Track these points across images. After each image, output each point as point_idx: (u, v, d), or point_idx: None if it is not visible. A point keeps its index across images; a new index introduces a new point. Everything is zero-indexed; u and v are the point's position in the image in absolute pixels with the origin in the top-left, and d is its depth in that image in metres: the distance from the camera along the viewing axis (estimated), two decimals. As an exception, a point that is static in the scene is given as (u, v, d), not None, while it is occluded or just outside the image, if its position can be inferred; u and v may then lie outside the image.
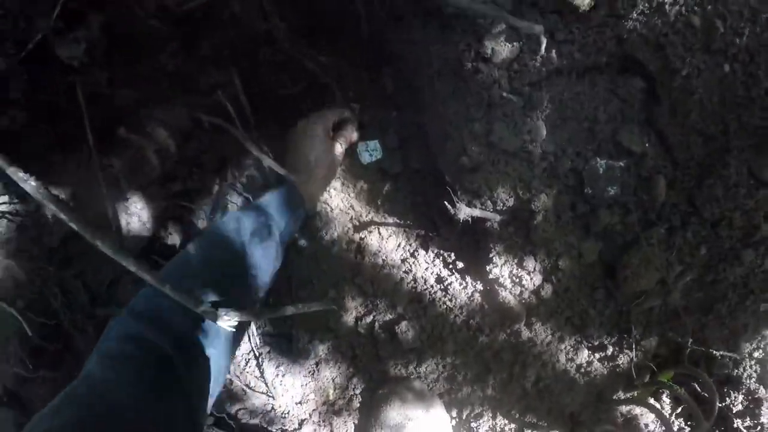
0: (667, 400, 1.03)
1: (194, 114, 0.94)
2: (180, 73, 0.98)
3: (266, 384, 0.99)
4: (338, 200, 1.01)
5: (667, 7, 0.84)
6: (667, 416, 0.98)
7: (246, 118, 0.96)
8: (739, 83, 0.82)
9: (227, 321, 0.65)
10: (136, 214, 0.92)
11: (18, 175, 0.56)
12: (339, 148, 0.93)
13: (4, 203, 0.83)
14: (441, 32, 0.95)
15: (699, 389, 0.99)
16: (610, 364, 0.96)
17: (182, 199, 0.96)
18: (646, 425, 1.01)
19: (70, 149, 0.88)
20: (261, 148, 0.90)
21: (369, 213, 1.03)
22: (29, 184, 0.56)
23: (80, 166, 0.87)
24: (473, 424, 0.98)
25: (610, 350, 0.95)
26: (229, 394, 1.02)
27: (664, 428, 0.97)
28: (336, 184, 1.02)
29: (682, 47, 0.84)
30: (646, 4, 0.85)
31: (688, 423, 1.03)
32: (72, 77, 0.86)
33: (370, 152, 1.02)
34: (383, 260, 1.00)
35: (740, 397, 0.96)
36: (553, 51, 0.88)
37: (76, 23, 0.84)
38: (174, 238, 0.98)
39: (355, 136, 0.97)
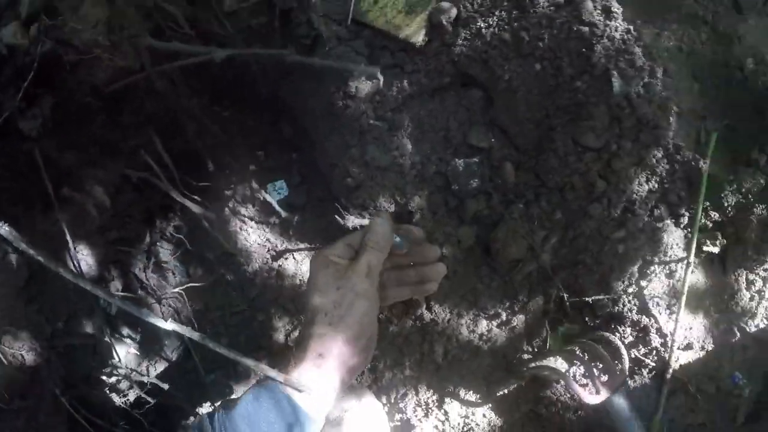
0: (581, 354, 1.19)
1: (123, 172, 1.14)
2: (109, 139, 1.19)
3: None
4: (255, 236, 1.19)
5: (483, 30, 1.04)
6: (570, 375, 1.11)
7: (170, 172, 1.15)
8: (549, 76, 1.01)
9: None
10: (83, 259, 1.11)
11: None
12: (364, 283, 0.73)
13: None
14: (317, 82, 1.14)
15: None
16: (507, 328, 1.12)
17: (119, 245, 1.15)
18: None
19: (28, 204, 1.08)
20: (186, 195, 1.09)
21: (283, 243, 1.21)
22: (3, 229, 0.73)
23: (36, 217, 1.07)
24: (401, 404, 1.13)
25: (504, 316, 1.11)
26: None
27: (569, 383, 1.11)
28: (252, 223, 1.20)
29: (500, 58, 1.04)
30: (467, 32, 1.05)
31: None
32: (30, 144, 1.08)
33: (278, 191, 1.21)
34: (300, 281, 1.17)
35: (628, 330, 1.12)
36: (405, 81, 1.08)
37: (33, 104, 1.07)
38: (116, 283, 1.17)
39: (376, 259, 0.76)
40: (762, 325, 1.24)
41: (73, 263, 1.13)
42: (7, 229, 0.70)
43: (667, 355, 1.13)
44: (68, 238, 1.09)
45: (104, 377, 1.17)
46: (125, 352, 1.21)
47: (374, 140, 1.07)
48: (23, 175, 1.10)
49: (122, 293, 1.13)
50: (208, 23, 1.20)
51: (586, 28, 0.99)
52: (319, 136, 1.15)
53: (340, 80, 1.09)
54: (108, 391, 1.18)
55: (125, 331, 1.23)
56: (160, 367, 1.23)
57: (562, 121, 1.01)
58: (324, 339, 0.70)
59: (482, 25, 1.04)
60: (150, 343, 1.23)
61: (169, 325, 0.73)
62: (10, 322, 1.06)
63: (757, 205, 1.14)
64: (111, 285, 1.19)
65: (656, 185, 1.08)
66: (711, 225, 1.16)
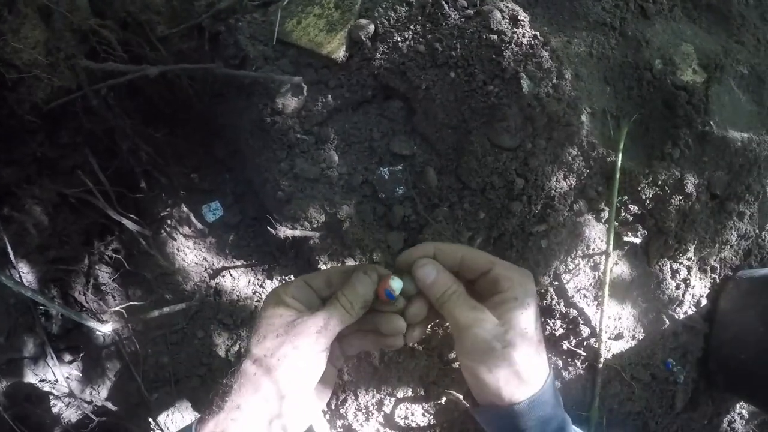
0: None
1: (61, 191, 1.15)
2: (47, 157, 1.21)
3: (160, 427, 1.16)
4: (192, 256, 1.20)
5: (400, 44, 1.10)
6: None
7: (106, 192, 1.17)
8: (463, 82, 1.07)
9: None
10: (23, 277, 1.12)
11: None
12: (310, 342, 0.66)
13: None
14: (246, 99, 1.18)
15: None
16: (440, 329, 1.15)
17: (58, 265, 1.16)
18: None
19: None
20: (123, 214, 1.11)
21: (220, 261, 1.23)
22: None
23: None
24: (342, 410, 1.15)
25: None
26: None
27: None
28: (189, 243, 1.22)
29: (417, 69, 1.09)
30: (385, 46, 1.11)
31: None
32: None
33: (213, 212, 1.23)
34: (238, 296, 1.19)
35: (558, 323, 1.16)
36: (329, 96, 1.13)
37: None
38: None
39: (339, 322, 0.69)
40: (690, 312, 1.29)
41: (16, 277, 1.14)
42: None
43: (597, 345, 1.17)
44: (10, 253, 1.10)
45: (47, 396, 1.17)
46: (67, 373, 1.21)
47: (302, 153, 1.11)
48: None
49: (62, 310, 1.13)
50: (141, 47, 1.23)
51: (495, 36, 1.05)
52: (251, 153, 1.18)
53: (267, 97, 1.13)
54: (51, 411, 1.18)
55: (67, 352, 1.23)
56: (103, 387, 1.22)
57: (477, 124, 1.07)
58: (245, 388, 0.62)
59: (399, 39, 1.10)
60: (92, 364, 1.22)
61: (107, 327, 0.77)
62: None
63: (674, 196, 1.21)
64: (50, 307, 1.20)
65: (574, 181, 1.13)
66: (631, 218, 1.22)
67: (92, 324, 0.88)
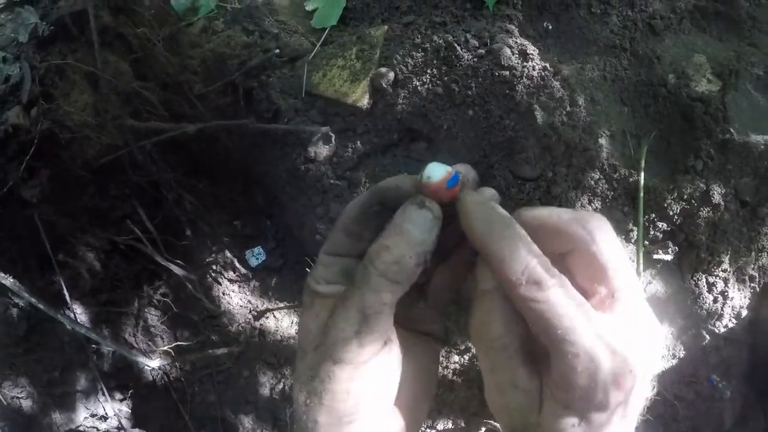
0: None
1: (112, 238, 1.26)
2: (98, 208, 1.32)
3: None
4: (237, 299, 1.28)
5: (419, 88, 1.16)
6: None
7: (154, 239, 1.27)
8: (481, 119, 1.12)
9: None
10: (78, 317, 1.23)
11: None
12: (349, 341, 0.42)
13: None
14: (281, 149, 1.27)
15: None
16: (478, 361, 1.18)
17: (110, 307, 1.26)
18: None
19: (26, 264, 1.21)
20: (170, 259, 1.20)
21: (264, 303, 1.30)
22: (8, 280, 0.84)
23: (34, 277, 1.19)
24: None
25: (473, 350, 1.18)
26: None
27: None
28: (234, 286, 1.30)
29: (437, 110, 1.15)
30: (406, 91, 1.17)
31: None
32: (30, 210, 1.23)
33: (256, 256, 1.31)
34: (281, 336, 1.26)
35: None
36: (358, 142, 1.20)
37: (33, 175, 1.23)
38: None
39: (381, 298, 0.42)
40: (731, 325, 1.28)
41: (71, 317, 1.25)
42: (11, 280, 0.81)
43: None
44: (66, 295, 1.21)
45: (97, 431, 1.25)
46: (117, 410, 1.30)
47: (336, 198, 1.18)
48: (22, 237, 1.24)
49: (113, 346, 1.23)
50: (180, 105, 1.34)
51: (507, 72, 1.11)
52: (288, 200, 1.26)
53: (300, 146, 1.21)
54: None
55: (117, 390, 1.32)
56: (151, 424, 1.30)
57: (498, 157, 1.11)
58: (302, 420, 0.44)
59: (417, 84, 1.16)
60: (141, 402, 1.31)
61: (154, 362, 0.83)
62: (10, 369, 1.17)
63: (701, 208, 1.22)
64: (102, 346, 1.30)
65: (599, 204, 1.16)
66: (661, 235, 1.23)
67: (141, 359, 0.96)
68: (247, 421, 1.22)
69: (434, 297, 0.52)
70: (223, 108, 1.36)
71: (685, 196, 1.22)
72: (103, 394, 1.30)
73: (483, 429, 1.15)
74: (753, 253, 1.30)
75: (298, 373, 0.45)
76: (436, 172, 0.42)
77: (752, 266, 1.32)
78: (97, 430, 1.28)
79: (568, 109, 1.11)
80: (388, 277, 0.42)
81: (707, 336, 1.26)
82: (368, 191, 0.48)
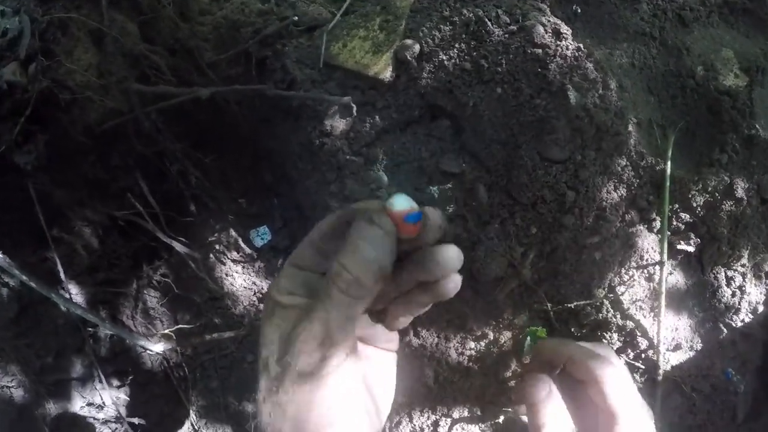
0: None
1: (111, 213, 1.18)
2: (98, 179, 1.24)
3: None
4: (241, 280, 1.22)
5: (445, 62, 1.11)
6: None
7: (155, 215, 1.20)
8: (510, 97, 1.07)
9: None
10: (73, 298, 1.15)
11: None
12: (313, 355, 0.45)
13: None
14: (294, 122, 1.20)
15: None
16: (495, 346, 1.14)
17: (107, 287, 1.18)
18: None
19: (17, 240, 1.13)
20: (172, 236, 1.13)
21: (269, 285, 1.24)
22: None
23: (26, 253, 1.11)
24: None
25: (491, 335, 1.13)
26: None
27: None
28: (237, 267, 1.23)
29: (464, 86, 1.10)
30: (431, 65, 1.12)
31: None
32: (24, 179, 1.14)
33: (261, 236, 1.25)
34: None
35: (615, 336, 1.15)
36: (377, 117, 1.14)
37: (28, 140, 1.13)
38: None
39: (344, 313, 0.47)
40: (747, 320, 1.27)
41: (66, 297, 1.17)
42: (1, 256, 0.74)
43: (655, 357, 1.15)
44: (61, 273, 1.13)
45: (93, 421, 1.18)
46: (114, 397, 1.23)
47: (351, 175, 1.12)
48: (14, 209, 1.15)
49: (113, 329, 1.15)
50: (189, 73, 1.27)
51: (539, 50, 1.06)
52: (300, 176, 1.20)
53: (315, 119, 1.15)
54: None
55: (115, 376, 1.25)
56: (151, 412, 1.23)
57: (527, 138, 1.07)
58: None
59: (444, 58, 1.11)
60: (140, 389, 1.24)
61: (158, 347, 0.77)
62: (0, 356, 1.10)
63: (724, 201, 1.19)
64: (99, 329, 1.22)
65: (624, 192, 1.13)
66: (683, 226, 1.20)
67: (143, 342, 0.90)
68: (251, 408, 1.16)
69: (391, 324, 0.54)
70: (235, 78, 1.29)
71: (709, 189, 1.20)
72: (100, 381, 1.23)
73: (501, 417, 1.11)
74: (770, 250, 1.29)
75: (262, 385, 0.47)
76: (399, 201, 0.45)
77: (768, 263, 1.30)
78: (95, 419, 1.20)
79: (601, 91, 1.07)
80: (350, 294, 0.45)
81: (724, 329, 1.24)
82: (338, 212, 0.51)
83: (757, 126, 1.24)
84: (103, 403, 1.24)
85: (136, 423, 1.24)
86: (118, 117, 1.17)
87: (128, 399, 1.27)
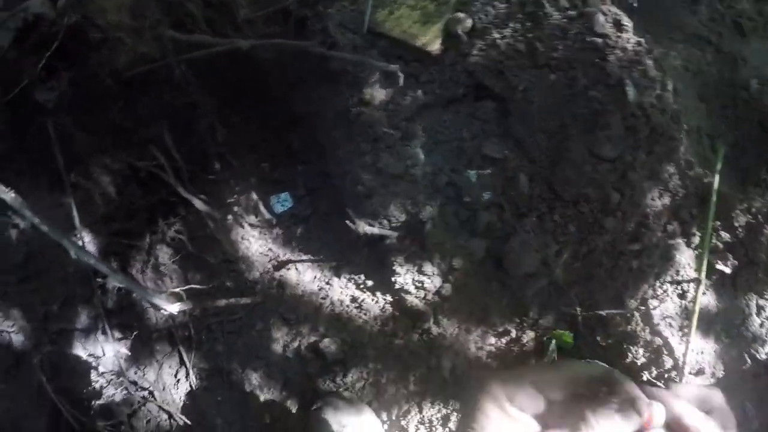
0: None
1: (132, 163, 1.11)
2: (123, 127, 1.17)
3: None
4: (257, 245, 1.15)
5: (498, 41, 1.05)
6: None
7: (178, 168, 1.13)
8: (564, 86, 1.01)
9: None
10: (86, 246, 1.08)
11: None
12: None
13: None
14: (332, 88, 1.14)
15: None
16: (516, 345, 1.08)
17: (121, 238, 1.11)
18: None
19: (34, 180, 1.05)
20: (193, 193, 1.07)
21: (286, 253, 1.17)
22: (9, 195, 0.70)
23: (42, 195, 1.04)
24: (403, 422, 1.07)
25: (513, 333, 1.07)
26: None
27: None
28: (254, 231, 1.16)
29: (516, 69, 1.04)
30: (483, 43, 1.06)
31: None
32: (44, 118, 1.08)
33: (281, 203, 1.19)
34: (302, 291, 1.13)
35: (641, 351, 1.09)
36: (419, 91, 1.08)
37: (52, 77, 1.08)
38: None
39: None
40: (773, 352, 1.21)
41: (78, 245, 1.10)
42: (12, 195, 0.67)
43: (678, 379, 1.09)
44: (76, 220, 1.06)
45: (92, 371, 1.11)
46: (116, 351, 1.16)
47: (387, 148, 1.06)
48: (31, 148, 1.07)
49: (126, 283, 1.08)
50: (224, 27, 1.20)
51: (599, 39, 1.00)
52: (332, 144, 1.13)
53: (355, 87, 1.09)
54: (95, 387, 1.13)
55: (118, 329, 1.18)
56: (150, 370, 1.16)
57: (578, 130, 1.01)
58: None
59: (497, 36, 1.05)
60: (142, 345, 1.17)
61: (174, 307, 0.70)
62: (2, 299, 1.03)
63: (767, 226, 1.14)
64: (108, 280, 1.14)
65: (668, 201, 1.07)
66: (722, 246, 1.14)
67: (158, 301, 0.83)
68: (255, 378, 1.09)
69: None
70: (271, 36, 1.22)
71: (753, 210, 1.14)
72: (104, 333, 1.16)
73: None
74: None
75: None
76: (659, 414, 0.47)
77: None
78: (94, 369, 1.13)
79: (659, 91, 1.02)
80: None
81: (749, 360, 1.18)
82: (619, 399, 0.49)
83: (808, 149, 1.18)
84: (104, 353, 1.17)
85: (133, 380, 1.17)
86: (149, 63, 1.10)
87: (129, 353, 1.20)
